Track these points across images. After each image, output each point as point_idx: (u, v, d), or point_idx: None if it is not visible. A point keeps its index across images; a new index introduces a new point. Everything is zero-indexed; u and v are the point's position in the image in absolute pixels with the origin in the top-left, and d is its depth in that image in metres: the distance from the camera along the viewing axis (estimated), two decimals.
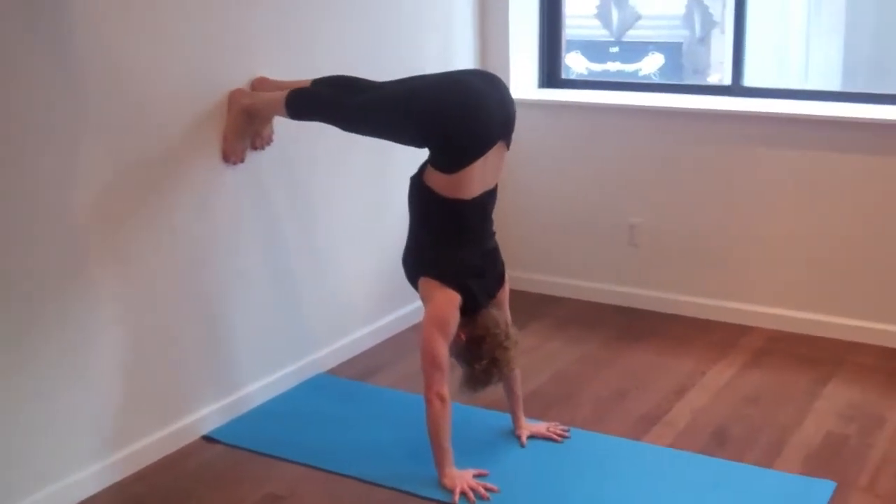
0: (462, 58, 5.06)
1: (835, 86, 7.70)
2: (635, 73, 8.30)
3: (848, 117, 4.51)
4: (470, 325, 3.46)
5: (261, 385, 4.09)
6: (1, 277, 3.07)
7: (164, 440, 3.69)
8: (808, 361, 4.43)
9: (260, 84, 3.85)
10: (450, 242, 3.45)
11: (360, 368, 4.44)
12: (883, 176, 4.47)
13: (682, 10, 8.61)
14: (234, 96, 3.76)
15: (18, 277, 3.12)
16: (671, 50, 8.71)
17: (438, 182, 3.38)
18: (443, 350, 3.37)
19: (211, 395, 3.88)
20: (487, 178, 3.43)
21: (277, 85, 3.83)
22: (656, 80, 7.97)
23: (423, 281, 3.48)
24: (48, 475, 3.29)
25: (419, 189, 3.47)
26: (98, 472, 3.45)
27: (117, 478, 3.52)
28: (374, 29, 4.46)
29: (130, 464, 3.56)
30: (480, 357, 3.42)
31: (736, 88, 4.94)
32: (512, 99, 3.49)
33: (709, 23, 8.79)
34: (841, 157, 4.54)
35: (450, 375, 3.42)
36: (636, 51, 8.45)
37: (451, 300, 3.39)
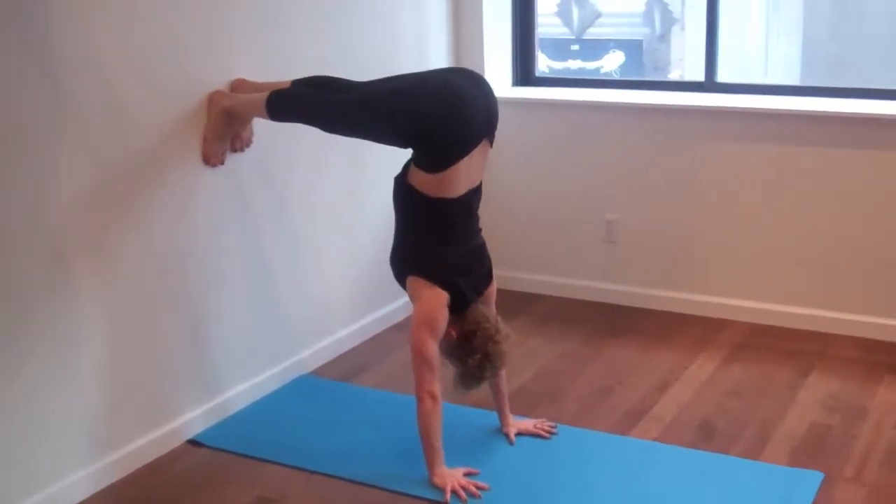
0: (437, 56, 5.06)
1: (794, 80, 7.81)
2: (596, 70, 8.37)
3: (821, 111, 4.55)
4: (460, 321, 3.46)
5: (244, 388, 4.06)
6: None
7: (149, 445, 3.65)
8: (788, 354, 4.47)
9: (239, 85, 3.83)
10: (436, 241, 3.45)
11: (344, 369, 4.42)
12: (856, 169, 4.52)
13: (641, 8, 8.68)
14: (213, 98, 3.73)
15: None
16: (632, 47, 8.78)
17: (423, 182, 3.38)
18: (432, 348, 3.36)
19: (194, 399, 3.85)
20: (472, 176, 3.43)
21: (256, 86, 3.81)
22: (617, 77, 8.02)
23: (410, 280, 3.48)
24: (34, 482, 3.26)
25: (404, 189, 3.46)
26: (84, 478, 3.42)
27: (104, 484, 3.48)
28: (350, 29, 4.45)
29: (116, 469, 3.53)
30: (473, 352, 3.42)
31: (709, 84, 4.97)
32: (495, 97, 3.49)
33: (668, 20, 8.86)
34: (815, 151, 4.58)
35: (441, 374, 3.41)
36: (597, 48, 8.51)
37: (438, 298, 3.39)
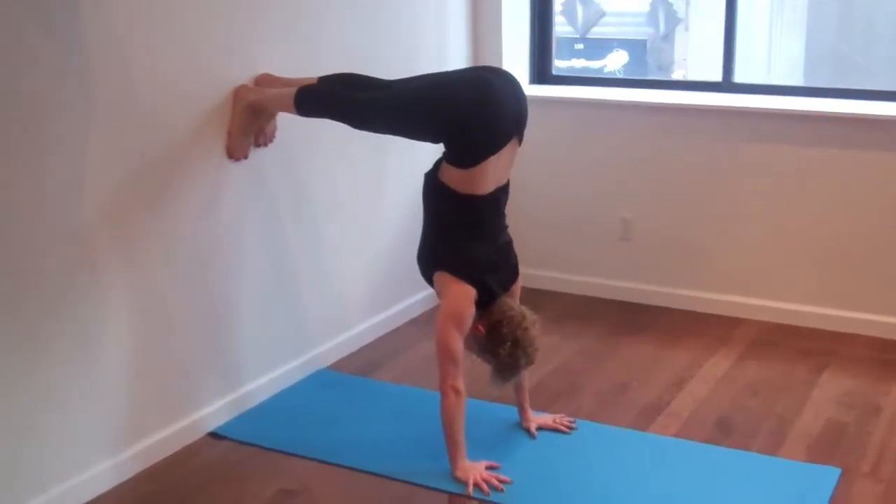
0: (456, 54, 5.10)
1: (797, 80, 7.83)
2: (600, 69, 8.38)
3: (837, 113, 4.59)
4: (486, 316, 3.49)
5: (264, 381, 4.10)
6: (8, 278, 3.06)
7: (170, 438, 3.69)
8: (802, 352, 4.51)
9: (264, 80, 3.86)
10: (465, 238, 3.48)
11: (362, 363, 4.46)
12: (871, 170, 4.55)
13: (646, 8, 8.69)
14: (239, 93, 3.77)
15: (26, 278, 3.11)
16: (635, 47, 8.79)
17: (454, 178, 3.42)
18: (458, 343, 3.40)
19: (215, 392, 3.88)
20: (501, 174, 3.47)
21: (282, 82, 3.84)
22: (621, 76, 8.03)
23: (438, 275, 3.51)
24: (57, 474, 3.29)
25: (434, 185, 3.50)
26: (106, 471, 3.45)
27: (126, 476, 3.51)
28: (370, 27, 4.48)
29: (139, 462, 3.56)
30: (503, 341, 3.44)
31: (726, 84, 5.00)
32: (524, 95, 3.54)
33: (673, 20, 8.87)
34: (830, 152, 4.62)
35: (465, 369, 3.44)
36: (601, 48, 8.53)
37: (466, 294, 3.42)
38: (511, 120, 3.43)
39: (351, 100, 3.63)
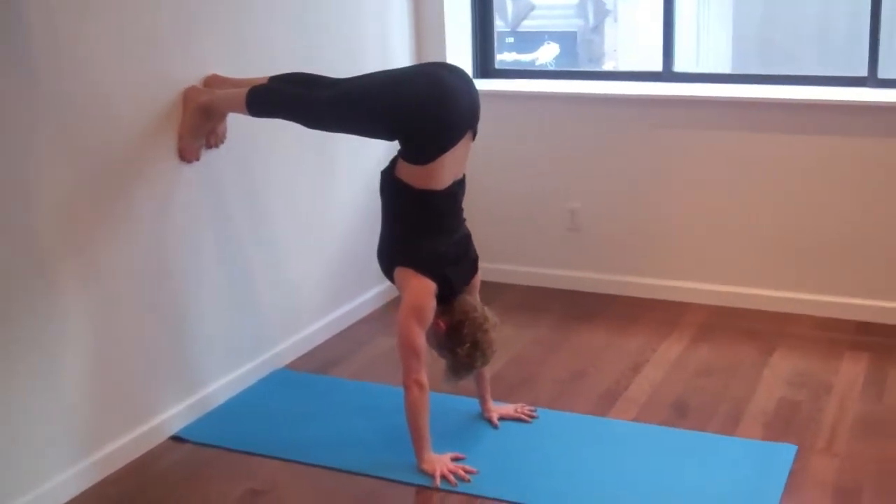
0: (400, 50, 5.12)
1: (725, 69, 7.98)
2: (532, 62, 8.45)
3: (774, 98, 4.69)
4: (448, 312, 3.52)
5: (222, 383, 4.08)
6: None
7: (132, 443, 3.66)
8: (751, 334, 4.61)
9: (213, 81, 3.84)
10: (423, 232, 3.51)
11: (318, 362, 4.46)
12: (809, 155, 4.66)
13: (575, 0, 8.80)
14: (188, 94, 3.75)
15: None
16: (566, 39, 8.88)
17: (410, 174, 3.44)
18: (419, 338, 3.42)
19: (174, 396, 3.86)
20: (456, 168, 3.51)
21: (231, 82, 3.83)
22: (553, 69, 8.11)
23: (398, 271, 3.53)
24: (18, 485, 3.25)
25: (391, 182, 3.52)
26: (70, 479, 3.41)
27: (90, 483, 3.49)
28: (316, 24, 4.48)
29: (102, 468, 3.53)
30: (462, 342, 3.48)
31: (666, 74, 5.08)
32: (476, 90, 3.57)
33: (602, 12, 8.99)
34: (769, 137, 4.72)
35: (427, 363, 3.47)
36: (531, 41, 8.60)
37: (426, 288, 3.45)
38: (465, 115, 3.46)
39: (303, 99, 3.63)
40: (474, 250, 3.68)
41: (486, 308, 3.59)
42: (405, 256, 3.51)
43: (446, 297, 3.52)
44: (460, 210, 3.63)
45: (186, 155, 3.78)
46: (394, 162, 3.53)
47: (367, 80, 3.62)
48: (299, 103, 3.62)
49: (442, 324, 3.51)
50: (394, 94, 3.45)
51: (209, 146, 3.89)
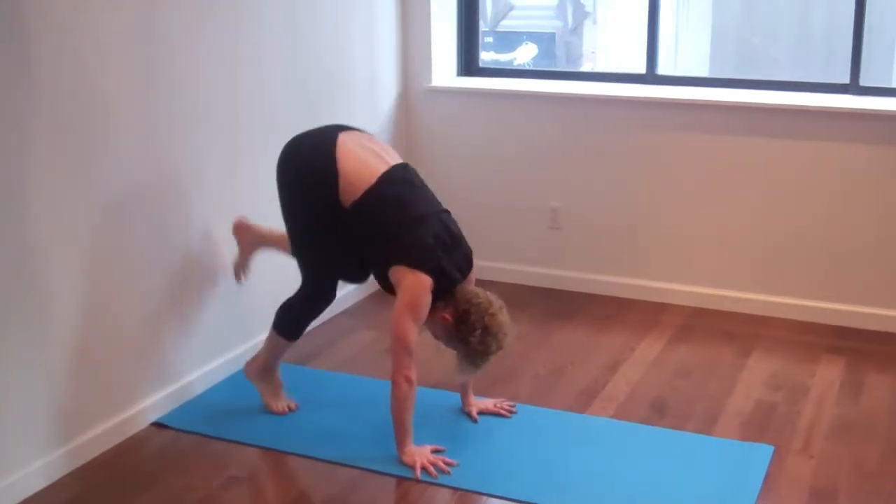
0: (385, 48, 5.15)
1: (703, 73, 8.04)
2: (510, 62, 8.47)
3: (757, 103, 4.75)
4: (451, 304, 3.49)
5: (203, 372, 4.10)
6: None
7: (114, 428, 3.68)
8: (728, 336, 4.65)
9: (242, 230, 4.09)
10: (402, 227, 3.49)
11: (299, 353, 4.44)
12: (789, 159, 4.72)
13: (554, 2, 8.81)
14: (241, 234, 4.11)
15: None
16: (544, 40, 8.89)
17: (344, 193, 3.52)
18: (413, 334, 3.41)
19: (155, 384, 3.87)
20: (378, 157, 3.59)
21: (258, 230, 4.12)
22: (535, 68, 8.12)
23: (392, 270, 3.47)
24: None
25: (344, 219, 3.56)
26: (51, 462, 3.43)
27: (72, 467, 3.50)
28: (301, 20, 4.50)
29: (84, 453, 3.55)
30: (473, 329, 3.45)
31: (650, 77, 5.12)
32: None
33: (581, 13, 9.00)
34: (749, 141, 4.77)
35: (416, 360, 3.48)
36: (510, 41, 8.61)
37: (422, 284, 3.41)
38: (323, 131, 3.66)
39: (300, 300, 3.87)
40: (467, 245, 3.65)
41: (488, 293, 3.56)
42: (396, 255, 3.47)
43: (445, 290, 3.49)
44: (427, 192, 3.65)
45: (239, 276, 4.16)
46: (332, 213, 3.58)
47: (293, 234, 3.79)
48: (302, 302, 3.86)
49: (448, 316, 3.48)
50: (296, 220, 3.73)
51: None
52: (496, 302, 3.54)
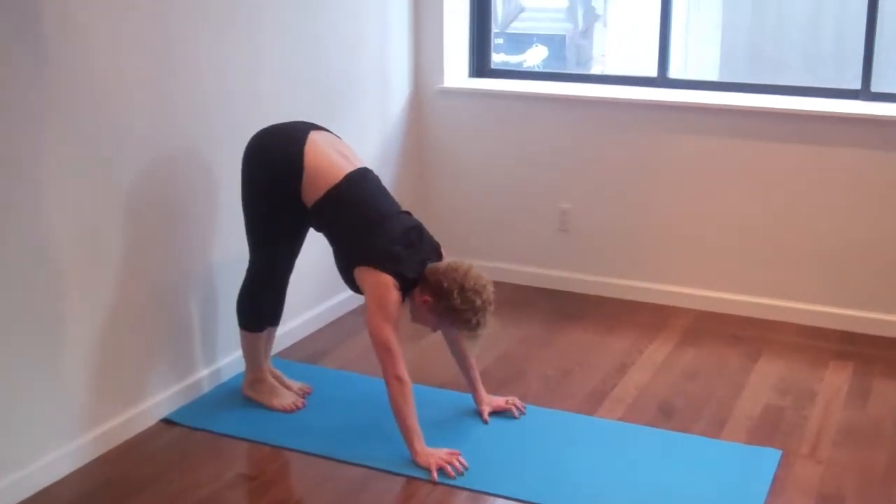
0: (398, 49, 5.16)
1: (713, 76, 8.03)
2: (519, 64, 8.47)
3: (768, 108, 4.74)
4: (425, 287, 3.49)
5: (213, 370, 4.11)
6: None
7: (125, 424, 3.69)
8: (736, 340, 4.66)
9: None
10: (362, 228, 3.52)
11: (307, 352, 4.49)
12: (798, 164, 4.72)
13: (565, 4, 8.80)
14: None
15: None
16: (554, 42, 8.89)
17: (308, 192, 3.55)
18: (389, 333, 3.43)
19: (165, 380, 3.89)
20: (346, 159, 3.62)
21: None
22: (548, 70, 8.13)
23: (356, 272, 3.52)
24: (14, 462, 3.29)
25: (309, 216, 3.61)
26: (65, 455, 3.46)
27: (84, 461, 3.52)
28: (318, 23, 4.51)
29: (95, 447, 3.57)
30: (451, 293, 3.43)
31: (661, 80, 5.13)
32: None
33: (591, 16, 9.00)
34: (759, 145, 4.77)
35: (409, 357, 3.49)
36: (520, 42, 8.61)
37: (384, 282, 3.43)
38: (294, 128, 3.67)
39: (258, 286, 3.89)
40: (433, 239, 3.66)
41: (454, 259, 3.56)
42: (357, 257, 3.51)
43: (412, 284, 3.50)
44: (387, 196, 3.68)
45: (289, 408, 3.96)
46: (294, 206, 3.62)
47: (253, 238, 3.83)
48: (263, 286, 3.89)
49: (428, 297, 3.48)
50: (254, 212, 3.74)
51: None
52: (464, 262, 3.53)
